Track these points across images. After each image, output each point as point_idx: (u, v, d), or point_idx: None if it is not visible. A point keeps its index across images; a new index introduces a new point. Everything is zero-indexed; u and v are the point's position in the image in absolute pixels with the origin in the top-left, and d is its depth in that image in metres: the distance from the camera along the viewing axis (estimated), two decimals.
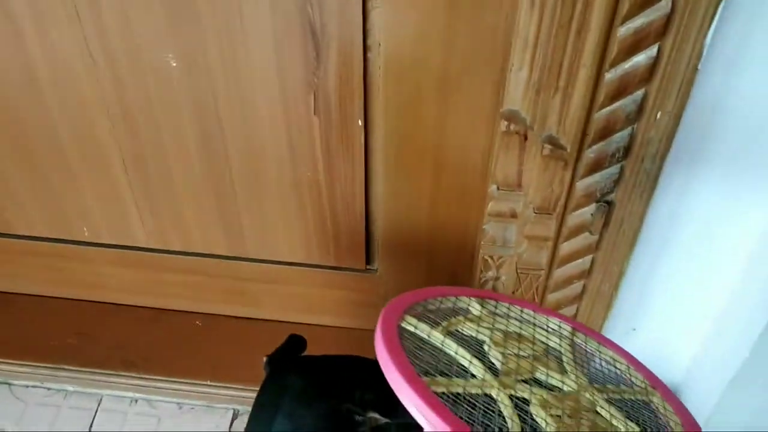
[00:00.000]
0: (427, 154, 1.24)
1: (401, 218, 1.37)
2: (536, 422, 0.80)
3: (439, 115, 1.17)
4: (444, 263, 1.42)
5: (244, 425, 1.48)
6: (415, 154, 1.24)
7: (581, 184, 1.10)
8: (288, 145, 1.27)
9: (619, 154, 1.05)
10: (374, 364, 1.18)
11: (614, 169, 1.07)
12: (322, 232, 1.42)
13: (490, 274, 1.31)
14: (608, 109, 1.02)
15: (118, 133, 1.30)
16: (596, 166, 1.08)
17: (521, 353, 0.89)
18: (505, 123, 1.08)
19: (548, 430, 0.79)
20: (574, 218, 1.15)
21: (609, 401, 0.87)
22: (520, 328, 0.96)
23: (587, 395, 0.86)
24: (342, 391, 1.07)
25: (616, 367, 0.96)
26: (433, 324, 0.90)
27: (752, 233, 1.09)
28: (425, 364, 0.82)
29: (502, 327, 0.94)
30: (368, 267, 1.48)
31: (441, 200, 1.31)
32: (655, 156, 1.04)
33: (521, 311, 1.00)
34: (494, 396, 0.80)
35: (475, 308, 0.97)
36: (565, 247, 1.19)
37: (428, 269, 1.45)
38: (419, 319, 0.90)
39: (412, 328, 0.88)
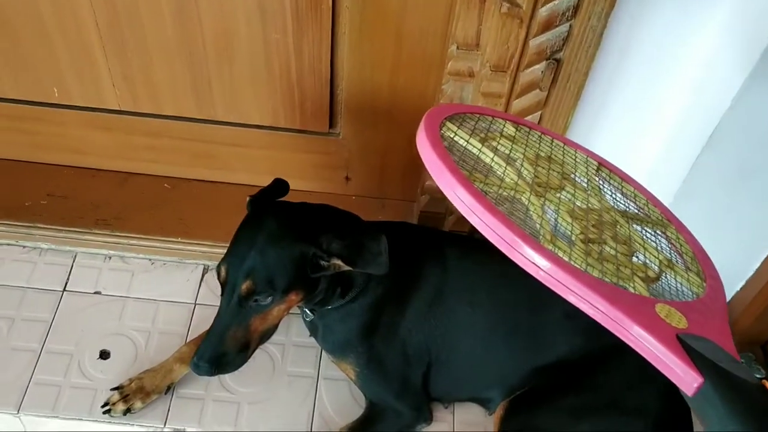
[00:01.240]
0: (390, 18, 1.33)
1: (364, 83, 1.46)
2: (562, 227, 0.86)
3: None
4: (403, 125, 1.53)
5: (214, 280, 1.60)
6: (379, 19, 1.33)
7: (533, 42, 1.21)
8: (258, 6, 1.33)
9: (569, 13, 1.16)
10: (346, 216, 1.30)
11: (564, 28, 1.18)
12: (289, 95, 1.50)
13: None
14: None
15: None
16: (548, 25, 1.18)
17: (551, 172, 0.94)
18: None
19: (574, 232, 0.85)
20: (526, 76, 1.26)
21: (629, 222, 0.94)
22: (551, 153, 1.00)
23: (610, 214, 0.92)
24: (311, 236, 1.18)
25: (635, 202, 1.02)
26: (471, 133, 0.94)
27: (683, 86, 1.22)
28: (462, 164, 0.87)
29: (534, 149, 0.98)
30: (331, 130, 1.58)
31: (402, 64, 1.41)
32: (601, 14, 1.15)
33: (551, 141, 1.04)
34: (524, 201, 0.86)
35: (510, 129, 1.00)
36: (517, 105, 1.30)
37: (388, 132, 1.56)
38: (459, 127, 0.94)
39: (451, 134, 0.92)
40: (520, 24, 1.18)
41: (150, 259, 1.65)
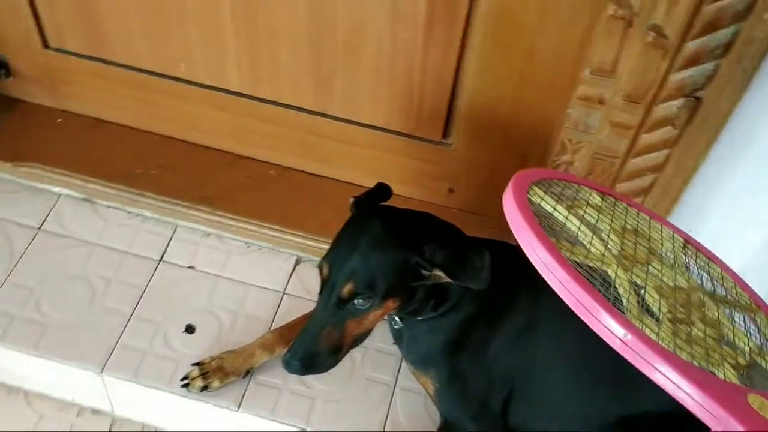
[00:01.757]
0: (524, 32, 1.29)
1: (486, 95, 1.43)
2: (649, 304, 0.84)
3: None
4: (518, 144, 1.49)
5: (306, 272, 1.60)
6: (513, 32, 1.29)
7: (675, 77, 1.15)
8: (393, 3, 1.32)
9: (719, 50, 1.10)
10: (449, 227, 1.27)
11: (711, 66, 1.12)
12: (408, 98, 1.48)
13: (565, 158, 1.38)
14: (718, 4, 1.06)
15: None
16: (694, 60, 1.12)
17: (638, 246, 0.93)
18: (613, 7, 1.12)
19: (662, 310, 0.83)
20: (661, 110, 1.20)
21: (717, 304, 0.90)
22: (637, 226, 0.98)
23: (697, 295, 0.89)
24: (415, 244, 1.16)
25: (723, 283, 0.98)
26: (558, 200, 0.94)
27: None
28: (549, 231, 0.87)
29: (621, 220, 0.97)
30: (443, 140, 1.55)
31: (529, 81, 1.37)
32: (754, 56, 1.08)
33: (637, 213, 1.03)
34: (610, 273, 0.84)
35: (596, 199, 1.00)
36: (645, 138, 1.25)
37: (501, 148, 1.52)
38: (545, 193, 0.94)
39: (538, 199, 0.92)
40: (664, 55, 1.13)
41: (246, 243, 1.66)
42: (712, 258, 1.02)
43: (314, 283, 1.59)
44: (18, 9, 1.56)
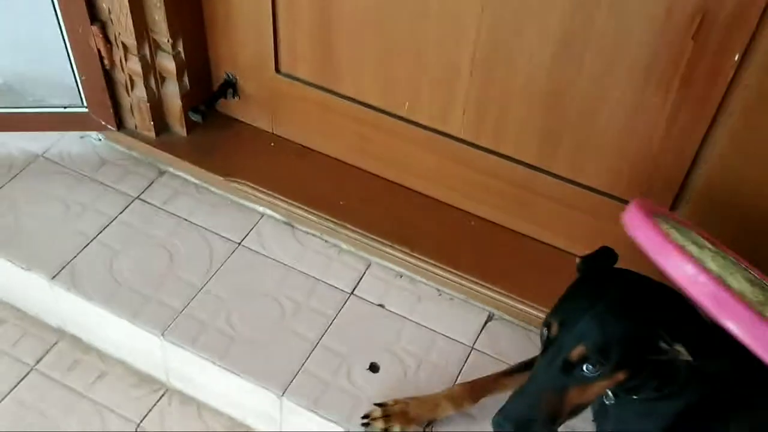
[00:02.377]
0: None
1: (731, 174, 1.33)
2: None
3: None
4: (754, 230, 1.37)
5: (497, 330, 1.52)
6: None
7: None
8: (646, 66, 1.27)
9: None
10: (687, 302, 1.16)
11: None
12: (641, 165, 1.40)
13: None
14: None
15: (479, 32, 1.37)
16: None
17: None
18: None
19: None
20: None
21: None
22: (757, 281, 0.91)
23: None
24: (657, 315, 1.06)
25: None
26: (683, 235, 0.89)
27: None
28: None
29: (741, 272, 0.92)
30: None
31: None
32: None
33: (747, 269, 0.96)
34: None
35: (711, 247, 0.94)
36: None
37: (734, 235, 1.40)
38: (670, 227, 0.89)
39: (666, 227, 0.87)
40: None
41: (438, 290, 1.61)
42: None
43: (504, 344, 1.52)
44: (261, 31, 1.63)
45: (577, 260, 1.19)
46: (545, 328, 1.11)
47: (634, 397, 1.18)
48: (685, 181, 1.39)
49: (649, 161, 1.39)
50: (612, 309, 1.07)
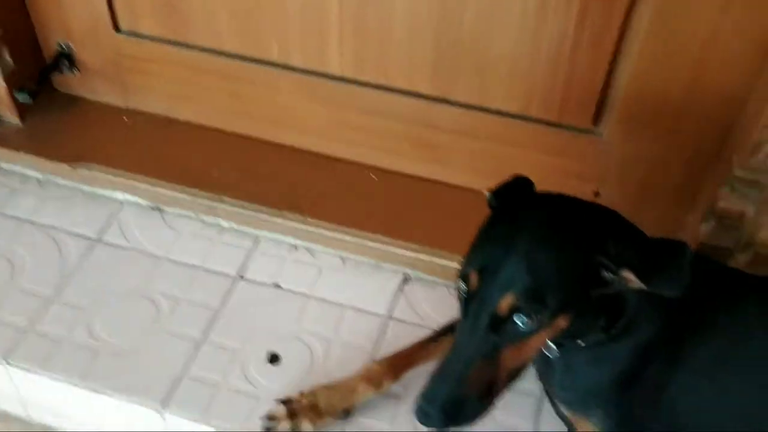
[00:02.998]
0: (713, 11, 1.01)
1: (653, 76, 1.14)
2: None
3: None
4: (690, 136, 1.18)
5: (416, 292, 1.29)
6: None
7: None
8: None
9: None
10: (628, 223, 0.95)
11: None
12: (552, 79, 1.20)
13: (760, 156, 1.05)
14: None
15: None
16: None
17: None
18: None
19: None
20: None
21: None
22: None
23: None
24: (596, 239, 0.85)
25: None
26: None
27: None
28: None
29: None
30: (593, 128, 1.25)
31: (713, 61, 1.08)
32: None
33: None
34: None
35: None
36: None
37: (666, 141, 1.21)
38: None
39: None
40: None
41: (342, 257, 1.37)
42: None
43: (426, 306, 1.29)
44: None
45: (487, 194, 0.97)
46: (462, 283, 0.88)
47: (581, 343, 0.96)
48: (603, 93, 1.19)
49: (562, 71, 1.18)
50: (538, 242, 0.85)
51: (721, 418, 0.98)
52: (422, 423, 0.85)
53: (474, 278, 0.85)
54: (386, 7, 1.20)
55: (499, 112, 1.28)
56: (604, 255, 0.84)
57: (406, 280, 1.33)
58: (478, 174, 1.36)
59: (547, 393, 1.12)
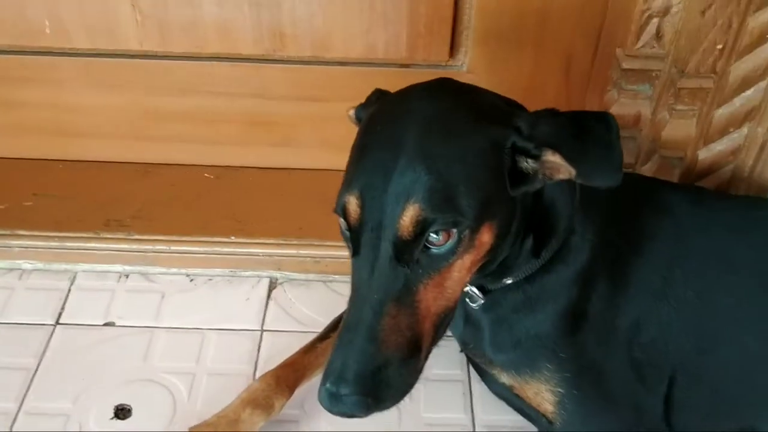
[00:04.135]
0: None
1: None
2: None
3: None
4: (561, 45, 1.05)
5: (288, 293, 1.06)
6: None
7: None
8: None
9: None
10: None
11: None
12: (394, 14, 1.02)
13: (645, 37, 0.93)
14: None
15: None
16: None
17: None
18: None
19: None
20: None
21: None
22: None
23: None
24: (499, 118, 0.68)
25: None
26: None
27: None
28: None
29: None
30: (451, 62, 1.09)
31: None
32: None
33: None
34: None
35: None
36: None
37: (536, 58, 1.07)
38: None
39: None
40: None
41: (188, 275, 1.10)
42: None
43: (303, 309, 1.06)
44: None
45: (350, 112, 0.77)
46: (343, 220, 0.67)
47: (509, 281, 0.78)
48: (455, 19, 1.04)
49: (403, 8, 1.02)
50: (433, 133, 0.66)
51: (688, 340, 0.83)
52: (333, 410, 0.63)
53: (354, 204, 0.65)
54: None
55: (339, 63, 1.08)
56: (517, 134, 0.66)
57: (273, 284, 1.09)
58: (329, 148, 1.16)
59: (478, 369, 0.92)
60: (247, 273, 1.10)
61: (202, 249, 1.08)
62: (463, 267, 0.67)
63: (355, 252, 0.65)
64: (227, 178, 1.19)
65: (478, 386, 0.95)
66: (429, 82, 0.73)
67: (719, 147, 0.99)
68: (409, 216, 0.62)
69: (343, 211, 0.66)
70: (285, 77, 1.10)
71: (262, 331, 1.02)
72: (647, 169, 1.03)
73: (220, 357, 0.99)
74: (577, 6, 1.01)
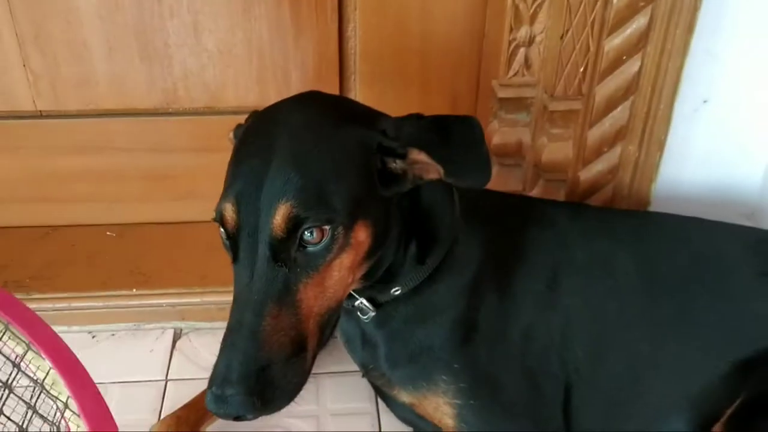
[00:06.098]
0: None
1: (384, 27, 1.06)
2: None
3: None
4: (442, 85, 1.12)
5: (193, 342, 1.06)
6: None
7: None
8: None
9: None
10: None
11: None
12: (282, 62, 1.07)
13: (516, 66, 1.00)
14: None
15: None
16: None
17: None
18: None
19: None
20: None
21: None
22: None
23: None
24: (363, 120, 0.73)
25: None
26: None
27: None
28: None
29: None
30: None
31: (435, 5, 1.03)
32: None
33: None
34: None
35: None
36: None
37: (422, 100, 1.13)
38: None
39: None
40: None
41: (90, 331, 1.08)
42: None
43: (207, 355, 1.05)
44: None
45: (230, 135, 0.80)
46: (221, 228, 0.69)
47: (397, 291, 0.80)
48: (341, 56, 1.09)
49: (290, 51, 1.07)
50: (301, 137, 0.69)
51: (578, 345, 0.85)
52: (220, 412, 0.63)
53: (230, 211, 0.67)
54: (72, 19, 1.00)
55: (233, 112, 1.11)
56: (382, 135, 0.70)
57: (177, 335, 1.08)
58: None
59: (381, 394, 0.93)
60: (151, 325, 1.09)
61: (104, 304, 1.07)
62: (342, 266, 0.69)
63: (235, 258, 0.67)
64: (129, 234, 1.18)
65: (386, 416, 0.95)
66: (298, 94, 0.77)
67: (597, 167, 1.05)
68: (281, 215, 0.64)
69: (221, 219, 0.68)
70: (181, 129, 1.12)
71: (167, 380, 1.01)
72: (535, 194, 1.08)
73: (122, 408, 0.96)
74: (455, 45, 1.07)
